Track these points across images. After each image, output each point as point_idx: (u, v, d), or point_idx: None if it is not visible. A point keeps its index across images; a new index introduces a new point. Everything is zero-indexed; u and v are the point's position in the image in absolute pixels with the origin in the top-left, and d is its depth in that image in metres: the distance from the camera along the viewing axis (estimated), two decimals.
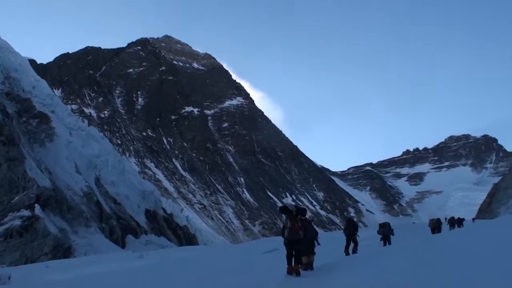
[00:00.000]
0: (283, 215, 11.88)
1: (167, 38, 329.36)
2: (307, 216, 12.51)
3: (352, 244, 19.51)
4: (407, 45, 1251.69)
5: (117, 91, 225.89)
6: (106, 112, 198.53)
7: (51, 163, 54.05)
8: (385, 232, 21.86)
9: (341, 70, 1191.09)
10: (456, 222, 39.02)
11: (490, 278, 7.21)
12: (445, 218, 44.21)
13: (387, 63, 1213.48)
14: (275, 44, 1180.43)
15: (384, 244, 21.53)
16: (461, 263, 9.16)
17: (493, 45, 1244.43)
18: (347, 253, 18.93)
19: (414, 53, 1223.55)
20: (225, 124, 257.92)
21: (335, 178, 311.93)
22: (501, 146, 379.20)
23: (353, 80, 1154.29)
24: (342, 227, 22.24)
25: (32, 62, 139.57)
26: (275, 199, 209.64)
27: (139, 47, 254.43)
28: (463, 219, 41.73)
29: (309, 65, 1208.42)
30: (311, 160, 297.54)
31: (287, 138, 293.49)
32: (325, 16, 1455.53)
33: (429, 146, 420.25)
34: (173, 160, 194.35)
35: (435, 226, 33.60)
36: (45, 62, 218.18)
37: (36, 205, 40.46)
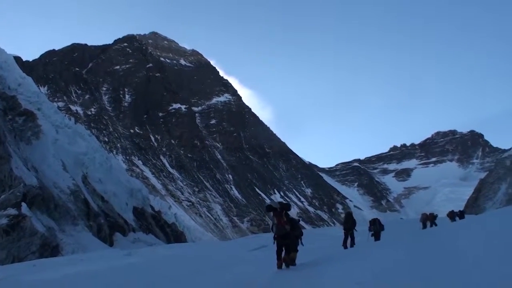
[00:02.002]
0: (271, 213, 12.14)
1: (154, 34, 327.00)
2: (295, 217, 12.82)
3: (350, 239, 19.98)
4: (394, 42, 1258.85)
5: (104, 88, 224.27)
6: (93, 109, 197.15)
7: (37, 161, 53.56)
8: (376, 228, 22.23)
9: (329, 67, 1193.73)
10: (456, 215, 39.57)
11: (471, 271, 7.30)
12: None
13: (374, 61, 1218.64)
14: (264, 42, 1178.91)
15: (375, 240, 21.84)
16: (446, 257, 9.28)
17: (479, 41, 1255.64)
18: (345, 247, 19.25)
19: (400, 49, 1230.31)
20: (213, 121, 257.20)
21: (323, 175, 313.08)
22: (487, 142, 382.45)
23: (340, 77, 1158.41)
24: (342, 222, 22.94)
25: (17, 59, 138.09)
26: (264, 195, 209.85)
27: (125, 44, 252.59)
28: (464, 211, 42.20)
29: (299, 63, 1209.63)
30: (299, 157, 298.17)
31: (275, 134, 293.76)
32: (315, 11, 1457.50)
33: (416, 142, 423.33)
34: (161, 157, 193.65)
35: (426, 220, 34.44)
36: (30, 59, 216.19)
37: (23, 204, 40.04)
